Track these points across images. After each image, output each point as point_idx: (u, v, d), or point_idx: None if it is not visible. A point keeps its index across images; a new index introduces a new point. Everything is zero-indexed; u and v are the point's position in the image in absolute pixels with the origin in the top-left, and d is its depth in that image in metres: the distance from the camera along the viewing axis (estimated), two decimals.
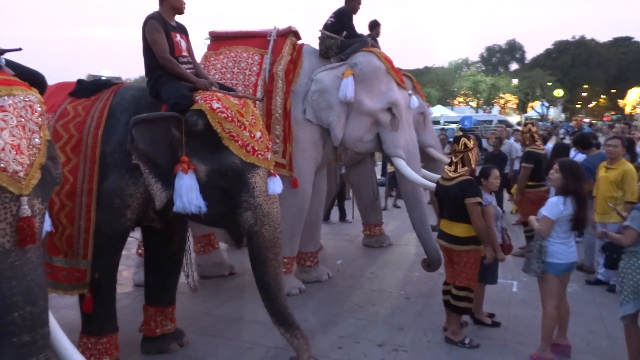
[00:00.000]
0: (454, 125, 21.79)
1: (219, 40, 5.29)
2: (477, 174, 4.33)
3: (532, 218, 3.69)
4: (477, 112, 40.34)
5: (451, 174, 3.86)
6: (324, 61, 5.13)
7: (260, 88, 4.81)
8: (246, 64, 4.95)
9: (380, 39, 6.21)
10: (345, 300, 4.79)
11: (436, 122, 30.12)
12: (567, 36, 53.48)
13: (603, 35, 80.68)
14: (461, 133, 4.03)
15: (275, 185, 3.17)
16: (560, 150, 6.32)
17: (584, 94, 49.08)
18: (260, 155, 3.10)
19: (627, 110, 48.71)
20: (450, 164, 3.92)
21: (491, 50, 60.22)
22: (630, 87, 45.23)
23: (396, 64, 5.32)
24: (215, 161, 3.06)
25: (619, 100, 50.53)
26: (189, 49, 3.53)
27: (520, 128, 8.50)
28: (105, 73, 35.93)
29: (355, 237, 7.21)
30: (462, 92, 45.19)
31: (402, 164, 5.02)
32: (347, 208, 8.48)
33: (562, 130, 21.37)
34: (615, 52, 49.42)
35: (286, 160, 4.79)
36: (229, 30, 5.40)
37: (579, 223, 3.45)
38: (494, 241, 3.95)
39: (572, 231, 3.48)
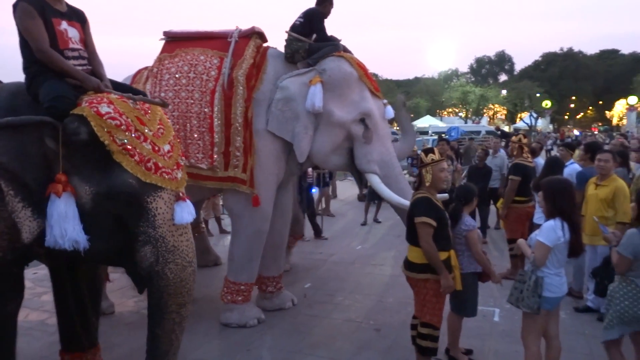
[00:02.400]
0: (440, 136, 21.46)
1: (175, 41, 4.76)
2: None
3: (522, 242, 3.22)
4: (466, 122, 40.25)
5: (414, 192, 3.43)
6: (290, 66, 4.62)
7: (218, 95, 4.32)
8: (203, 68, 4.45)
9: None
10: (308, 333, 4.27)
11: (424, 133, 29.99)
12: (555, 48, 53.76)
13: (590, 47, 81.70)
14: (428, 145, 3.59)
15: (184, 212, 2.54)
16: (553, 164, 5.80)
17: (572, 105, 49.39)
18: (165, 174, 2.49)
19: (614, 121, 48.98)
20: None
21: (480, 62, 60.55)
22: (617, 99, 45.54)
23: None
24: (103, 181, 2.46)
25: (606, 112, 50.83)
26: (85, 40, 2.86)
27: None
28: None
29: (329, 255, 6.72)
30: (452, 102, 45.15)
31: (376, 181, 4.50)
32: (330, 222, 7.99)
33: (549, 142, 21.12)
34: (602, 65, 49.88)
35: (247, 176, 4.28)
36: (186, 30, 4.90)
37: (575, 248, 3.01)
38: (486, 265, 3.55)
39: (568, 258, 3.06)
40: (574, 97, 48.05)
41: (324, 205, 9.68)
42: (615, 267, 3.07)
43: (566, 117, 51.64)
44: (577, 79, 46.75)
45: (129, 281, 5.57)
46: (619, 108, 47.06)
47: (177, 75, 4.44)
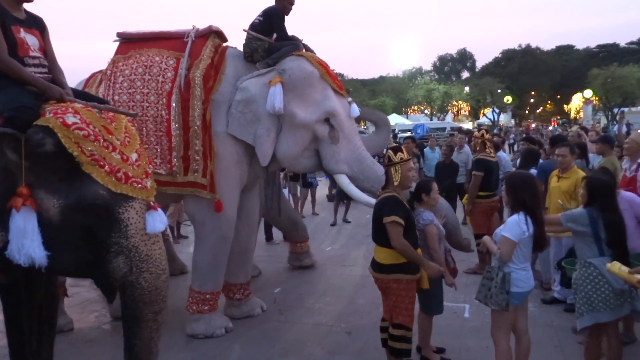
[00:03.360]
0: (407, 134, 21.68)
1: (129, 42, 4.55)
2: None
3: (487, 239, 3.19)
4: (431, 119, 40.88)
5: (380, 191, 3.35)
6: (251, 66, 4.47)
7: (175, 97, 4.15)
8: (159, 70, 4.25)
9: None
10: (278, 340, 4.16)
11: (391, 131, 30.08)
12: (514, 45, 55.44)
13: (547, 44, 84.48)
14: (393, 143, 3.53)
15: (157, 221, 2.50)
16: (529, 155, 5.78)
17: (532, 100, 50.90)
18: (135, 184, 2.44)
19: (572, 114, 50.71)
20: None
21: (443, 60, 61.72)
22: (574, 93, 47.10)
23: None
24: (72, 193, 2.38)
25: (564, 105, 52.57)
26: (45, 48, 2.77)
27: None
28: None
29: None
30: (417, 100, 45.76)
31: (344, 181, 4.41)
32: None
33: (512, 136, 21.63)
34: (559, 60, 51.55)
35: (207, 180, 4.12)
36: (141, 30, 4.68)
37: (540, 242, 3.01)
38: (441, 264, 3.47)
39: (534, 252, 3.05)
40: (533, 92, 49.55)
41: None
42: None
43: (527, 111, 53.20)
44: (535, 75, 48.11)
45: (89, 295, 5.39)
46: (576, 102, 48.72)
47: (131, 78, 4.24)
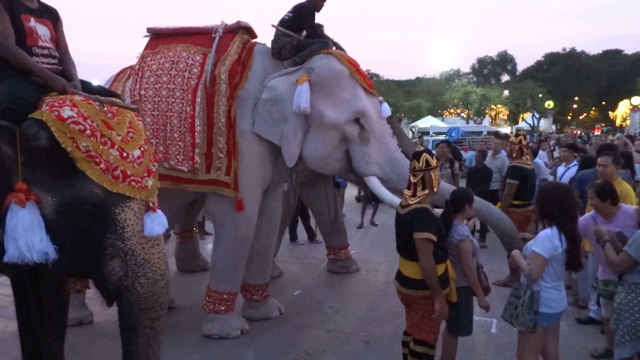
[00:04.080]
0: (442, 137, 21.17)
1: (159, 38, 4.52)
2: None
3: (516, 254, 2.96)
4: (467, 123, 39.94)
5: (409, 199, 3.13)
6: (278, 63, 4.36)
7: (200, 93, 4.09)
8: (185, 65, 4.21)
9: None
10: (293, 346, 4.04)
11: (425, 133, 29.66)
12: (557, 48, 53.46)
13: (593, 48, 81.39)
14: (422, 147, 3.30)
15: (155, 223, 2.38)
16: (586, 163, 5.30)
17: (575, 106, 49.06)
18: (134, 183, 2.33)
19: (618, 122, 48.61)
20: (409, 187, 3.19)
21: (482, 62, 60.22)
22: (621, 99, 45.16)
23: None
24: (66, 191, 2.28)
25: (609, 112, 50.47)
26: (56, 39, 2.70)
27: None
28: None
29: (322, 260, 6.45)
30: (453, 103, 44.84)
31: (375, 184, 4.23)
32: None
33: (552, 142, 20.82)
34: (605, 65, 49.46)
35: (231, 179, 4.04)
36: (170, 26, 4.66)
37: (573, 261, 2.76)
38: (474, 285, 3.24)
39: (566, 271, 2.82)
40: (576, 98, 47.70)
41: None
42: (613, 265, 2.86)
43: (569, 117, 51.33)
44: (579, 79, 46.40)
45: None
46: (622, 109, 46.67)
47: (158, 73, 4.21)
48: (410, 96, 46.13)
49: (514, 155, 5.57)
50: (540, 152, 9.67)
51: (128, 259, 2.33)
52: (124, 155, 2.32)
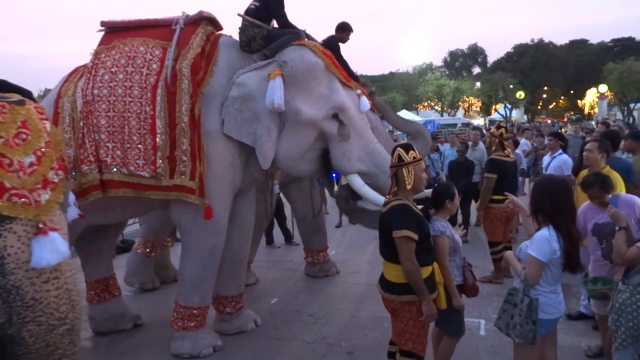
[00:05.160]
0: None
1: (114, 32, 4.12)
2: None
3: (510, 256, 2.72)
4: (442, 115, 40.19)
5: (389, 197, 2.88)
6: (247, 57, 4.03)
7: (161, 91, 3.73)
8: (143, 61, 3.84)
9: (345, 47, 5.04)
10: None
11: None
12: (526, 40, 54.32)
13: (560, 38, 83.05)
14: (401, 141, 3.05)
15: (46, 251, 1.88)
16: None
17: (544, 96, 49.98)
18: (16, 198, 1.85)
19: (586, 110, 49.68)
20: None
21: (454, 55, 60.86)
22: (588, 88, 46.07)
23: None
24: None
25: (578, 101, 51.54)
26: None
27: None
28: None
29: (300, 264, 6.16)
30: (427, 96, 45.09)
31: (358, 182, 3.93)
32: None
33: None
34: (572, 55, 50.55)
35: (196, 184, 3.69)
36: (127, 19, 4.24)
37: (571, 263, 2.52)
38: (449, 283, 3.01)
39: (564, 272, 2.58)
40: (546, 87, 48.63)
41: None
42: (621, 259, 2.63)
43: (539, 107, 52.24)
44: (548, 70, 47.30)
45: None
46: (590, 97, 47.67)
47: (113, 70, 3.84)
48: (385, 91, 46.17)
49: (494, 148, 5.36)
50: (524, 140, 9.57)
51: (12, 299, 1.82)
52: (6, 162, 1.85)
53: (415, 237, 2.71)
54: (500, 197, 5.12)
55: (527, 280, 2.48)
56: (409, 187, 2.83)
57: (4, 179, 1.84)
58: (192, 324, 3.86)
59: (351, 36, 4.88)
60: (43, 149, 1.99)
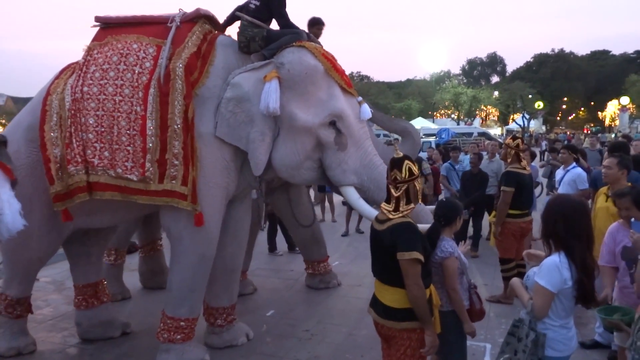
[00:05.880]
0: (431, 139, 20.76)
1: (108, 28, 3.95)
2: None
3: (516, 284, 2.44)
4: (458, 124, 39.73)
5: (390, 214, 2.63)
6: (245, 58, 3.83)
7: (153, 90, 3.55)
8: (136, 58, 3.66)
9: (322, 41, 4.87)
10: None
11: None
12: (546, 49, 53.58)
13: (581, 48, 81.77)
14: (401, 154, 2.77)
15: None
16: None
17: (564, 106, 49.19)
18: None
19: (607, 122, 48.70)
20: (388, 200, 2.67)
21: (472, 63, 60.39)
22: (609, 99, 45.25)
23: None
24: None
25: (598, 112, 50.61)
26: None
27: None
28: None
29: (301, 274, 5.92)
30: (444, 104, 44.69)
31: (353, 195, 3.71)
32: None
33: (544, 143, 20.52)
34: (594, 65, 49.78)
35: (188, 189, 3.49)
36: (122, 15, 4.06)
37: (585, 295, 2.22)
38: (459, 308, 2.77)
39: (576, 305, 2.30)
40: (566, 98, 47.93)
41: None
42: None
43: (558, 117, 51.42)
44: (568, 80, 46.65)
45: (66, 309, 4.88)
46: (612, 109, 46.76)
47: (104, 67, 3.67)
48: (401, 98, 46.01)
49: (509, 159, 5.05)
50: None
51: None
52: None
53: (423, 259, 2.47)
54: (517, 212, 4.84)
55: (534, 312, 2.20)
56: (420, 200, 2.64)
57: None
58: (178, 337, 3.66)
59: (324, 30, 4.52)
60: None
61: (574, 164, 5.50)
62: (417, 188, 2.61)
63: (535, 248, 6.23)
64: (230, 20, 4.14)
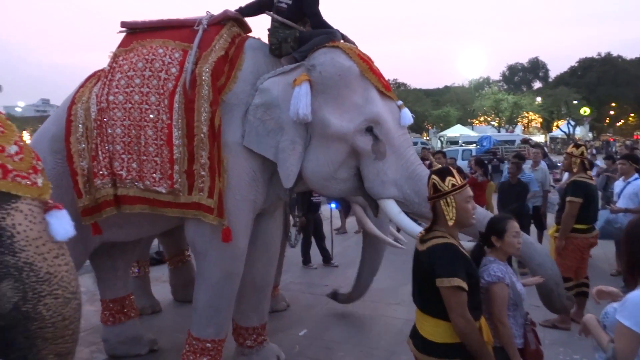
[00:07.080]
0: (472, 147, 20.11)
1: (134, 33, 3.78)
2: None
3: (590, 321, 2.06)
4: (499, 131, 38.55)
5: (428, 234, 2.31)
6: (276, 62, 3.56)
7: (178, 97, 3.36)
8: (161, 64, 3.47)
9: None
10: None
11: (455, 142, 28.51)
12: (591, 53, 51.48)
13: (629, 52, 78.29)
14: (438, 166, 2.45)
15: (61, 225, 1.86)
16: None
17: (612, 112, 47.00)
18: (19, 178, 1.82)
19: None
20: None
21: (513, 69, 58.65)
22: None
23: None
24: None
25: None
26: None
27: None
28: None
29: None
30: (484, 111, 43.54)
31: (393, 209, 3.32)
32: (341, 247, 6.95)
33: (593, 151, 19.48)
34: None
35: (214, 202, 3.25)
36: (147, 20, 3.88)
37: None
38: (508, 345, 2.37)
39: None
40: (613, 104, 45.76)
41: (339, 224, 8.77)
42: None
43: (606, 124, 49.18)
44: (616, 85, 44.54)
45: (88, 324, 4.74)
46: None
47: (129, 74, 3.49)
48: (439, 105, 45.23)
49: (575, 169, 4.57)
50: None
51: (25, 276, 1.75)
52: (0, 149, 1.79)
53: (466, 286, 2.14)
54: (583, 226, 4.39)
55: (616, 357, 1.83)
56: (451, 222, 2.26)
57: (5, 162, 1.81)
58: (205, 359, 3.44)
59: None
60: (20, 142, 1.94)
61: (636, 175, 5.00)
62: (445, 207, 2.26)
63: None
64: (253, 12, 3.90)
